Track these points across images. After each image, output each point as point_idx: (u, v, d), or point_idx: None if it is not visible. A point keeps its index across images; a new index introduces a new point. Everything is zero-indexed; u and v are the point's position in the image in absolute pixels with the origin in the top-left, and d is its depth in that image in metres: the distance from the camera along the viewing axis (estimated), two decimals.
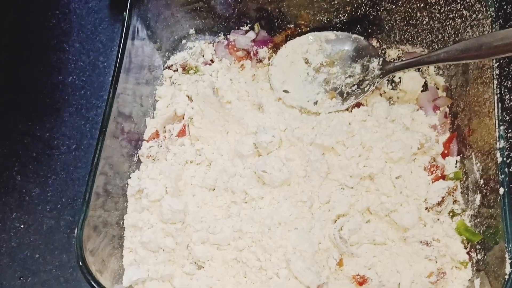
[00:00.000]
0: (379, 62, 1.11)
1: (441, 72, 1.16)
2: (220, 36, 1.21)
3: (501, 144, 0.90)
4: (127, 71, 1.03)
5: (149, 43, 1.14)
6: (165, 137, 1.08)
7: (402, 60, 1.09)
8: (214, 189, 1.04)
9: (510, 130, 1.07)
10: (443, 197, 0.98)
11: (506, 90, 1.00)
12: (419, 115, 1.10)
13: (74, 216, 1.10)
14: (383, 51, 1.19)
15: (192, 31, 1.20)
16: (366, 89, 1.10)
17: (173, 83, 1.15)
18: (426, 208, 0.99)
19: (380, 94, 1.15)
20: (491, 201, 0.90)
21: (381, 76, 1.09)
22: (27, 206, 1.12)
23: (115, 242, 0.99)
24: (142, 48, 1.11)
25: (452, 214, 1.00)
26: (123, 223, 1.01)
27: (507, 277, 0.81)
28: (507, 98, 1.00)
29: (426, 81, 1.16)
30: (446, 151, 1.06)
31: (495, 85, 0.94)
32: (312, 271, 0.94)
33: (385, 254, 0.97)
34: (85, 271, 0.85)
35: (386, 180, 1.00)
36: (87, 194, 0.89)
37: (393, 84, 1.17)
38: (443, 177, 1.03)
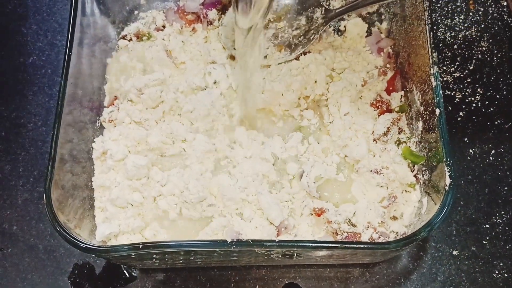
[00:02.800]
0: (321, 12, 1.16)
1: (383, 17, 1.22)
2: (170, 3, 1.25)
3: (435, 69, 0.96)
4: (81, 45, 1.08)
5: (103, 17, 1.18)
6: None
7: (342, 6, 1.14)
8: None
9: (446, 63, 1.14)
10: (388, 128, 1.04)
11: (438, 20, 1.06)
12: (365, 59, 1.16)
13: None
14: (327, 3, 1.24)
15: (143, 1, 1.24)
16: (311, 38, 1.15)
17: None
18: (374, 140, 1.05)
19: (327, 44, 1.21)
20: (431, 124, 0.96)
21: (324, 24, 1.15)
22: (0, 182, 1.16)
23: (86, 204, 1.03)
24: (95, 23, 1.15)
25: (399, 142, 1.06)
26: (91, 185, 1.05)
27: (447, 188, 0.87)
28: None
29: (369, 27, 1.22)
30: (391, 88, 1.12)
31: (426, 16, 1.00)
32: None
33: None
34: (55, 223, 0.88)
35: (335, 119, 1.06)
36: (51, 151, 0.93)
37: (339, 33, 1.22)
38: (389, 111, 1.08)
